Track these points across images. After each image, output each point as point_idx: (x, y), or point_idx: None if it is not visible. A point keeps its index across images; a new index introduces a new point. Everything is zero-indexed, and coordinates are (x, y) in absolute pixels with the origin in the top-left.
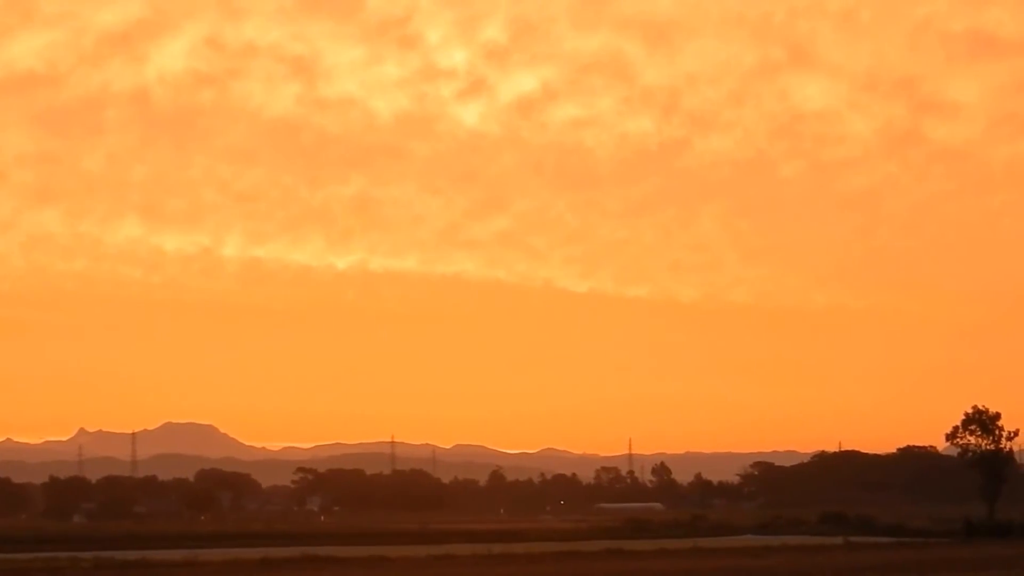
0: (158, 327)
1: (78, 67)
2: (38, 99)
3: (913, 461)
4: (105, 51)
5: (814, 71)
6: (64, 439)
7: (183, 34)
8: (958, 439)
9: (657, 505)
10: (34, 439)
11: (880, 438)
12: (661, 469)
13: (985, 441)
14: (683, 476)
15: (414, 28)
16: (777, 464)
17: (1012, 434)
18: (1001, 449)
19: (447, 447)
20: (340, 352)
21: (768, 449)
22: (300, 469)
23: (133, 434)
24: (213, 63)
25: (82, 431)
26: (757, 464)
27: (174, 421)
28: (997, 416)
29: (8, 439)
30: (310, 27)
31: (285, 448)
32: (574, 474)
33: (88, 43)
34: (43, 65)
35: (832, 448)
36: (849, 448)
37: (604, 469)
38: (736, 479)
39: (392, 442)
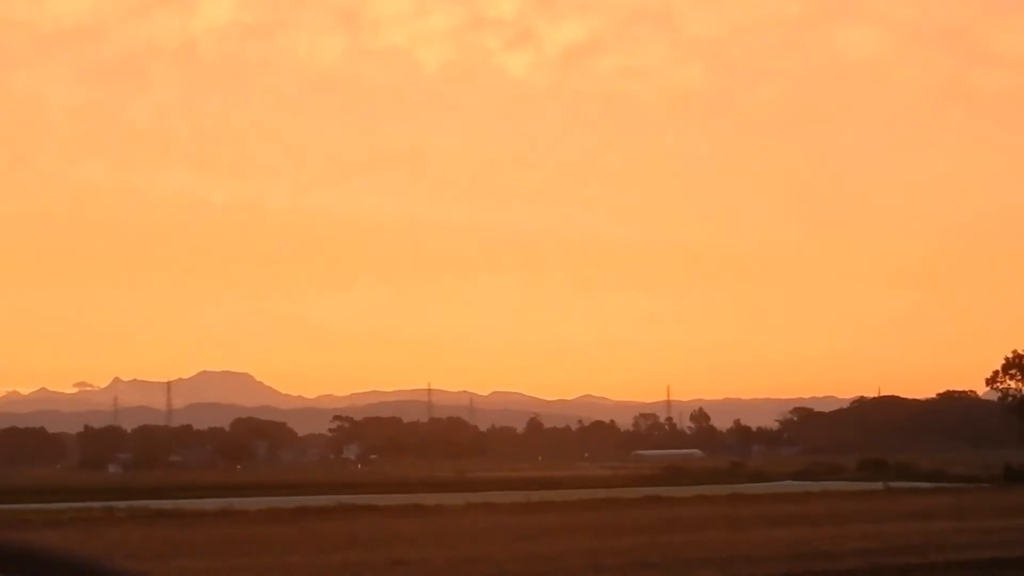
0: (195, 276)
1: (125, 19)
2: (85, 52)
3: (953, 406)
4: (151, 3)
5: (861, 21)
6: (99, 388)
7: None
8: (998, 383)
9: (696, 452)
10: (68, 388)
11: (920, 383)
12: (699, 415)
13: None
14: (722, 422)
15: None
16: (816, 410)
17: None
18: None
19: (484, 394)
20: (377, 300)
21: (807, 395)
22: (337, 417)
23: (168, 383)
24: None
25: (117, 380)
26: (796, 410)
27: (209, 370)
28: None
29: (42, 388)
30: None
31: (321, 396)
32: (612, 421)
33: None
34: (90, 18)
35: (871, 393)
36: (888, 393)
37: (642, 416)
38: (775, 425)
39: (429, 389)
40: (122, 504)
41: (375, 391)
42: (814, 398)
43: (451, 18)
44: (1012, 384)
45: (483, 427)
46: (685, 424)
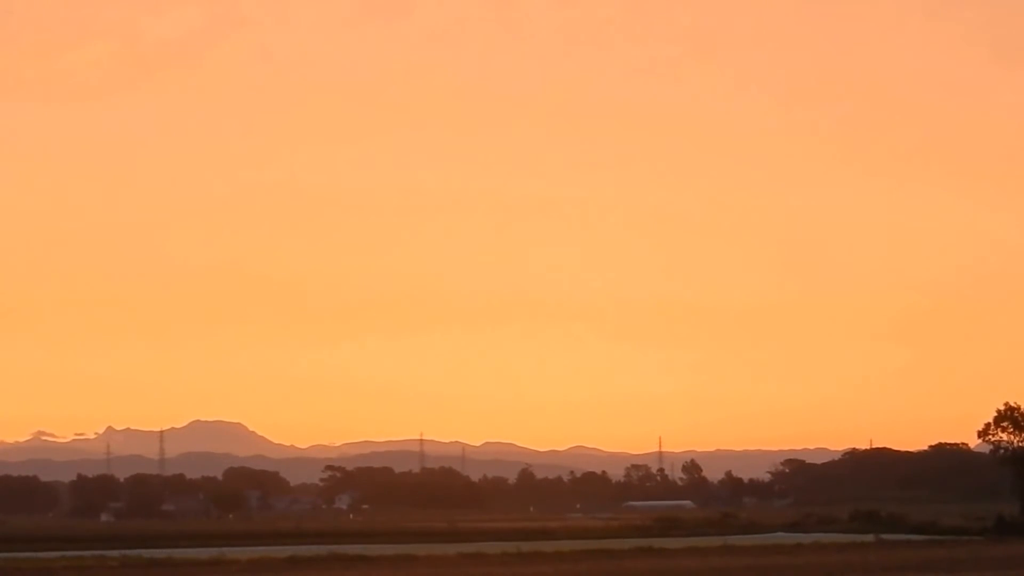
0: (187, 327)
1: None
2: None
3: (945, 458)
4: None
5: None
6: (92, 437)
7: None
8: (990, 436)
9: (687, 503)
10: (62, 437)
11: (912, 435)
12: (691, 467)
13: (1017, 438)
14: (714, 474)
15: None
16: (808, 461)
17: None
18: None
19: (476, 445)
20: (369, 351)
21: (799, 446)
22: (329, 467)
23: (161, 432)
24: None
25: (110, 429)
26: (788, 461)
27: (202, 419)
28: None
29: (36, 437)
30: None
31: (314, 446)
32: (604, 472)
33: None
34: None
35: (863, 445)
36: (880, 445)
37: (634, 467)
38: (767, 477)
39: (421, 440)
40: (115, 553)
41: (367, 441)
42: (806, 450)
43: None
44: (1004, 436)
45: (475, 477)
46: (677, 475)
